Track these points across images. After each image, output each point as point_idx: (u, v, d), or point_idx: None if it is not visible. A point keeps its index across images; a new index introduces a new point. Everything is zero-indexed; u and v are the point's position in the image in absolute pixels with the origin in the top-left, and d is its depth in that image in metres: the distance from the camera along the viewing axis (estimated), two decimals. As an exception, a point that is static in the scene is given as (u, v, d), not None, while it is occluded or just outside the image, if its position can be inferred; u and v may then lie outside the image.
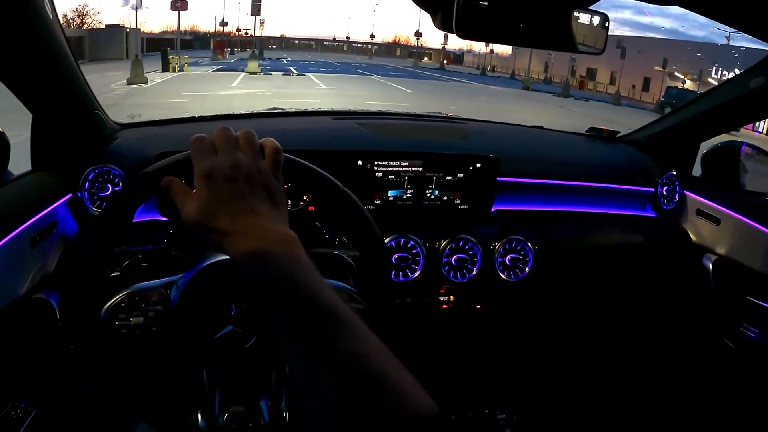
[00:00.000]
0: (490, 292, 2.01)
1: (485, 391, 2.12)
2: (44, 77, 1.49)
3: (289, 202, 1.76)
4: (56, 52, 1.45)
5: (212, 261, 1.16)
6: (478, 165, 1.91)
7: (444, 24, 1.10)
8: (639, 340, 2.42)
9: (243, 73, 31.63)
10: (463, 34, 1.08)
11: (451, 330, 2.11)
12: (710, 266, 2.15)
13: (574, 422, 2.26)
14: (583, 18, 1.18)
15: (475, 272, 1.93)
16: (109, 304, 1.13)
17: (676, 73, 46.70)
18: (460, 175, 1.91)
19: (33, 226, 1.46)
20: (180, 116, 2.16)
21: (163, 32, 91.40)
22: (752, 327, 2.06)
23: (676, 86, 39.64)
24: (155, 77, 25.44)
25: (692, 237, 2.25)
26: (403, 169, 1.86)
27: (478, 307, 2.01)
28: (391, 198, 1.88)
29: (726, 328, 2.13)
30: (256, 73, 31.77)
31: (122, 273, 1.38)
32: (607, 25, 1.23)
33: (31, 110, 1.60)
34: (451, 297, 1.98)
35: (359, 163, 1.82)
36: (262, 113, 2.26)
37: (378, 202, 1.87)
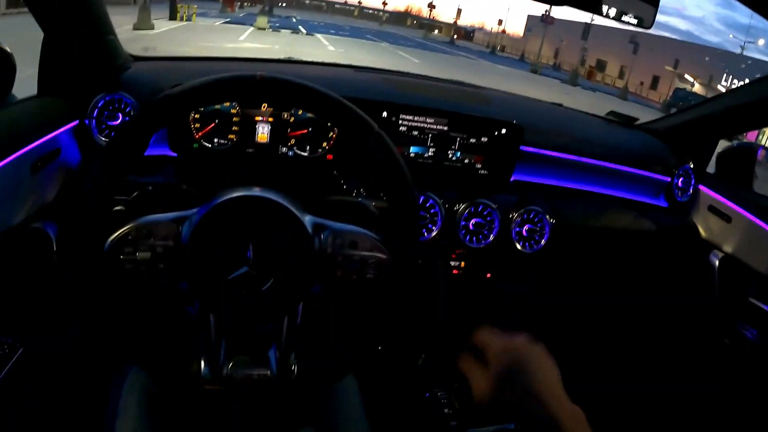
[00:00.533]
0: (502, 261, 1.98)
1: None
2: None
3: (308, 148, 1.72)
4: None
5: (229, 197, 1.11)
6: (503, 131, 1.87)
7: None
8: (638, 328, 2.41)
9: (251, 28, 31.34)
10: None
11: (458, 296, 2.08)
12: (716, 263, 2.14)
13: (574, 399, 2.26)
14: None
15: (490, 239, 1.90)
16: (114, 236, 1.07)
17: (686, 75, 46.56)
18: (484, 139, 1.87)
19: (35, 151, 1.41)
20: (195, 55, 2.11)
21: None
22: (751, 328, 2.05)
23: (685, 88, 39.56)
24: (162, 25, 25.09)
25: (701, 232, 2.23)
26: (428, 126, 1.82)
27: (488, 276, 1.99)
28: (412, 154, 1.84)
29: (725, 326, 2.12)
30: (264, 29, 31.50)
31: (130, 205, 1.33)
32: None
33: (43, 27, 1.54)
34: (462, 263, 1.95)
35: (384, 114, 1.77)
36: (281, 60, 2.22)
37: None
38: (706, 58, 45.53)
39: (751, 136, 28.45)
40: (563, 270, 2.16)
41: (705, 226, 2.22)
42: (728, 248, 2.12)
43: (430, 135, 1.83)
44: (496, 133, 1.87)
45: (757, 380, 2.01)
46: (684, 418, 2.24)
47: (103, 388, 1.32)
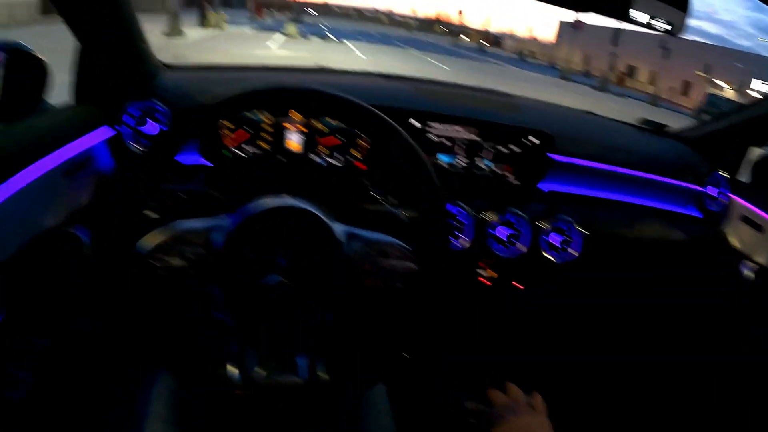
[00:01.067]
0: (531, 271, 1.97)
1: (511, 371, 2.10)
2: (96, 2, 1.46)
3: (338, 156, 1.74)
4: None
5: (262, 206, 1.13)
6: (533, 140, 1.86)
7: None
8: (669, 339, 2.38)
9: (280, 35, 31.55)
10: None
11: (486, 305, 2.08)
12: (747, 274, 2.10)
13: (592, 413, 2.24)
14: None
15: (521, 248, 1.89)
16: (148, 242, 1.09)
17: (717, 81, 45.92)
18: (514, 148, 1.87)
19: (69, 158, 1.44)
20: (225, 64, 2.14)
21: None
22: None
23: (716, 94, 39.00)
24: (191, 32, 25.34)
25: (734, 242, 2.19)
26: (458, 135, 1.82)
27: (517, 285, 1.98)
28: (442, 163, 1.84)
29: (758, 338, 2.08)
30: (294, 36, 31.70)
31: (163, 212, 1.35)
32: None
33: (78, 38, 1.58)
34: (491, 272, 1.94)
35: (412, 121, 1.78)
36: (311, 68, 2.23)
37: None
38: (738, 63, 44.87)
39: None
40: (593, 279, 2.15)
41: (737, 237, 2.18)
42: (761, 259, 2.08)
43: (459, 144, 1.83)
44: (526, 141, 1.86)
45: None
46: (716, 429, 2.21)
47: (132, 391, 1.34)
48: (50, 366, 1.49)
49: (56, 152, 1.40)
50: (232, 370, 1.18)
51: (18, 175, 1.25)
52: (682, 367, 2.36)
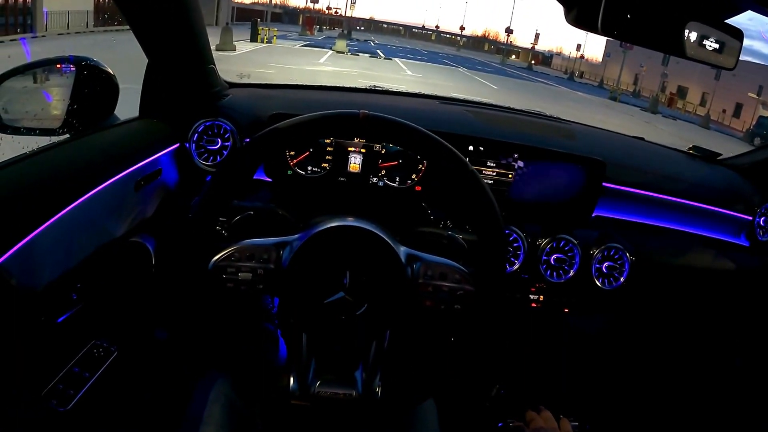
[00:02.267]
0: (580, 297, 1.96)
1: (559, 396, 2.08)
2: (171, 23, 1.52)
3: (397, 179, 1.77)
4: (189, 3, 1.47)
5: (329, 225, 1.16)
6: (586, 167, 1.86)
7: (579, 20, 1.06)
8: (713, 367, 2.35)
9: (330, 51, 31.91)
10: (606, 31, 1.03)
11: (535, 330, 2.08)
12: None
13: None
14: (717, 33, 1.13)
15: (571, 274, 1.89)
16: (218, 256, 1.13)
17: (770, 103, 44.96)
18: (568, 175, 1.87)
19: (139, 171, 1.51)
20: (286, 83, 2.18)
21: (254, 3, 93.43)
22: None
23: (768, 116, 38.17)
24: (243, 46, 25.86)
25: None
26: (513, 160, 1.84)
27: (566, 310, 1.97)
28: (496, 188, 1.85)
29: None
30: (343, 53, 32.00)
31: (232, 228, 1.39)
32: (740, 41, 1.17)
33: (148, 55, 1.63)
34: (541, 296, 1.94)
35: (471, 149, 1.79)
36: (366, 89, 2.26)
37: None
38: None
39: None
40: (642, 307, 2.13)
41: None
42: None
43: (515, 170, 1.84)
44: (581, 169, 1.87)
45: None
46: None
47: (188, 393, 1.37)
48: (113, 367, 1.53)
49: (129, 165, 1.45)
50: (291, 381, 1.20)
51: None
52: (727, 396, 2.32)
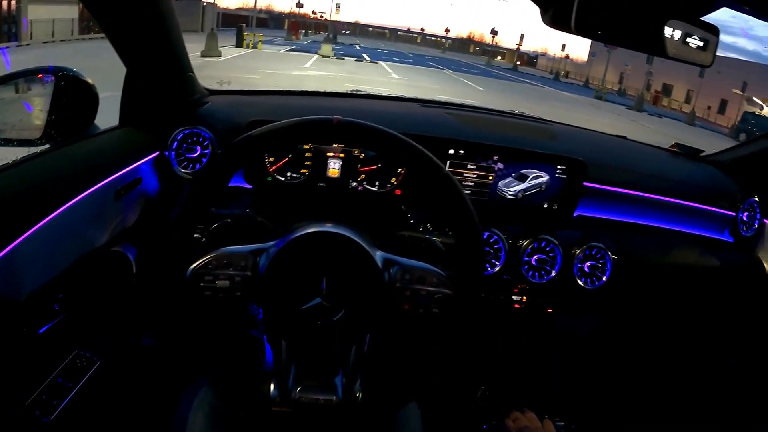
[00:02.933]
0: (563, 297, 1.97)
1: (545, 396, 2.09)
2: (146, 31, 1.53)
3: (377, 183, 1.78)
4: (165, 12, 1.48)
5: (306, 231, 1.16)
6: (566, 167, 1.88)
7: (555, 20, 1.07)
8: (703, 363, 2.36)
9: (316, 56, 31.84)
10: (580, 31, 1.05)
11: (519, 330, 2.09)
12: None
13: None
14: (691, 30, 1.14)
15: (553, 275, 1.91)
16: (196, 265, 1.13)
17: (754, 99, 45.18)
18: (548, 176, 1.89)
19: (119, 180, 1.51)
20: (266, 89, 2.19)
21: (239, 9, 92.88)
22: None
23: (754, 112, 38.34)
24: (229, 52, 25.77)
25: (767, 267, 2.17)
26: (493, 162, 1.85)
27: (549, 311, 1.98)
28: (476, 190, 1.87)
29: None
30: (329, 57, 31.95)
31: (209, 235, 1.39)
32: (716, 38, 1.18)
33: (126, 64, 1.64)
34: (524, 297, 1.95)
35: (451, 152, 1.80)
36: (348, 93, 2.27)
37: (466, 192, 1.85)
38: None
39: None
40: (627, 306, 2.14)
41: None
42: None
43: (495, 172, 1.86)
44: (561, 169, 1.88)
45: None
46: None
47: (172, 401, 1.37)
48: (96, 377, 1.53)
49: (109, 175, 1.45)
50: (272, 387, 1.21)
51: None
52: (714, 392, 2.34)
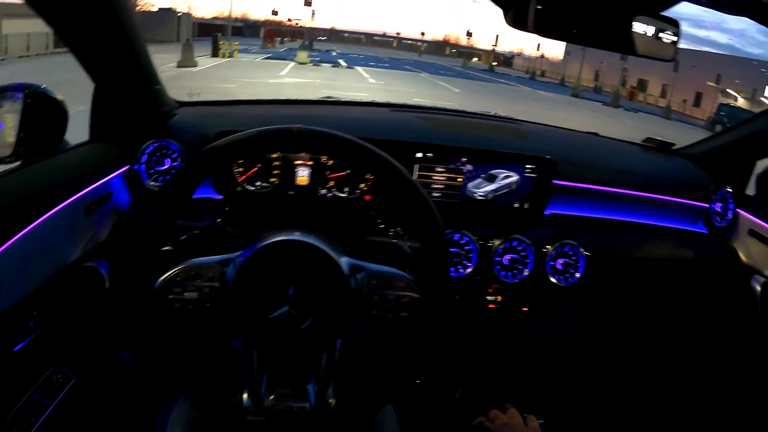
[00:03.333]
0: (538, 295, 2.00)
1: (524, 395, 2.11)
2: (110, 46, 1.53)
3: (346, 189, 1.79)
4: (124, 22, 1.49)
5: (272, 240, 1.16)
6: (536, 166, 1.90)
7: (516, 20, 1.09)
8: (681, 357, 2.39)
9: (292, 63, 31.75)
10: (540, 31, 1.07)
11: (495, 330, 2.10)
12: (758, 288, 2.11)
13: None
14: (653, 25, 1.17)
15: (525, 274, 1.93)
16: (164, 277, 1.13)
17: (729, 90, 45.62)
18: (518, 176, 1.91)
19: (89, 195, 1.52)
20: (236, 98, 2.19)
21: (215, 18, 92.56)
22: None
23: (728, 103, 38.69)
24: (205, 62, 25.66)
25: (742, 257, 2.20)
26: (462, 164, 1.87)
27: (524, 309, 2.00)
28: (446, 193, 1.89)
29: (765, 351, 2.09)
30: (305, 64, 31.86)
31: (178, 247, 1.40)
32: (678, 32, 1.21)
33: (93, 79, 1.65)
34: (499, 297, 1.98)
35: (418, 155, 1.82)
36: (319, 101, 2.28)
37: (436, 195, 1.87)
38: (749, 71, 44.55)
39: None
40: (604, 301, 2.16)
41: (745, 251, 2.20)
42: None
43: (464, 174, 1.88)
44: (531, 168, 1.90)
45: None
46: None
47: (150, 415, 1.38)
48: (72, 393, 1.54)
49: (78, 190, 1.46)
50: (244, 397, 1.21)
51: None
52: (693, 384, 2.36)
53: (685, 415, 2.31)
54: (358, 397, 1.25)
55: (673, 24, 1.18)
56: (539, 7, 1.04)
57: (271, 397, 1.22)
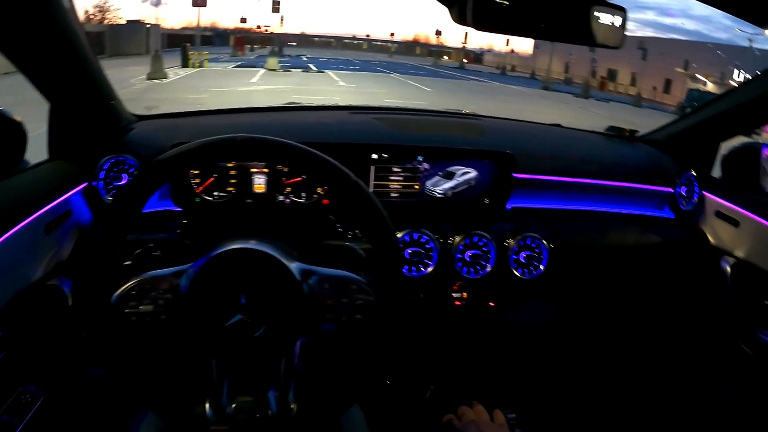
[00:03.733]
0: (503, 289, 1.99)
1: (496, 390, 2.11)
2: (60, 65, 1.52)
3: (303, 195, 1.78)
4: (73, 41, 1.48)
5: (222, 250, 1.16)
6: (494, 161, 1.89)
7: (460, 17, 1.09)
8: (653, 343, 2.40)
9: (262, 70, 31.65)
10: (479, 26, 1.07)
11: (463, 327, 2.10)
12: (728, 269, 2.13)
13: (585, 424, 2.25)
14: (601, 12, 1.17)
15: (488, 269, 1.92)
16: (119, 291, 1.12)
17: (697, 75, 46.21)
18: (476, 171, 1.90)
19: (48, 214, 1.50)
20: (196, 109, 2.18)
21: (184, 28, 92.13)
22: None
23: (698, 88, 39.17)
24: (175, 73, 25.51)
25: (710, 239, 2.22)
26: (419, 163, 1.86)
27: (491, 304, 2.00)
28: (403, 192, 1.88)
29: (743, 332, 2.10)
30: (275, 70, 31.78)
31: (134, 261, 1.39)
32: (625, 20, 1.21)
33: (47, 99, 1.63)
34: (464, 294, 1.97)
35: (374, 156, 1.81)
36: (279, 107, 2.27)
37: (395, 195, 1.86)
38: (717, 56, 45.18)
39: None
40: (572, 292, 2.17)
41: (713, 233, 2.22)
42: (739, 253, 2.11)
43: (421, 171, 1.87)
44: (488, 163, 1.90)
45: None
46: (698, 427, 2.22)
47: (121, 429, 1.37)
48: (41, 412, 1.52)
49: (37, 209, 1.44)
50: (206, 408, 1.20)
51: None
52: (666, 368, 2.37)
53: (660, 400, 2.32)
54: (318, 401, 1.25)
55: (620, 11, 1.18)
56: (476, 3, 1.04)
57: (233, 405, 1.21)
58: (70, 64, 1.53)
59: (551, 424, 2.17)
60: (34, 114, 1.65)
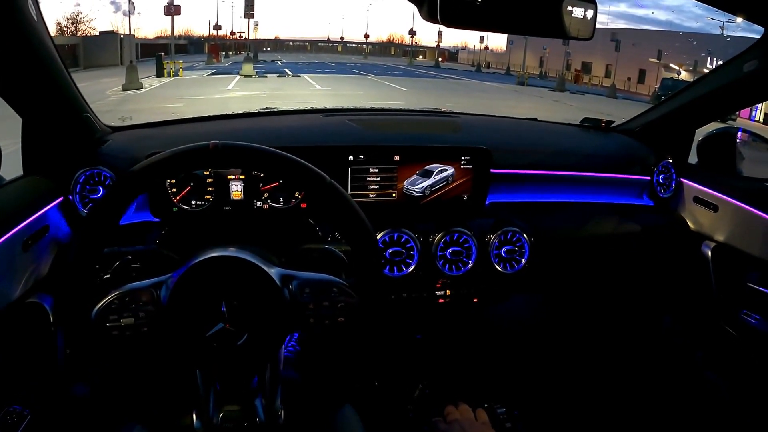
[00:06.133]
0: (486, 285, 2.00)
1: (484, 385, 2.11)
2: (31, 80, 1.50)
3: (281, 200, 1.77)
4: (42, 54, 1.46)
5: (201, 258, 1.15)
6: (471, 157, 1.89)
7: (430, 14, 1.09)
8: (638, 330, 2.41)
9: (238, 76, 31.56)
10: (449, 23, 1.07)
11: (449, 324, 2.10)
12: (709, 254, 2.14)
13: (575, 416, 2.25)
14: (572, 5, 1.17)
15: (470, 265, 1.92)
16: (99, 305, 1.11)
17: (671, 65, 46.65)
18: (452, 169, 1.90)
19: (25, 230, 1.47)
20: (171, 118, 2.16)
21: (158, 37, 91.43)
22: (753, 314, 2.05)
23: (672, 77, 39.54)
24: (150, 82, 25.38)
25: (690, 224, 2.24)
26: (395, 163, 1.86)
27: (475, 300, 2.00)
28: (381, 192, 1.88)
29: (727, 315, 2.12)
30: (251, 76, 31.71)
31: (113, 274, 1.37)
32: (596, 12, 1.21)
33: (20, 114, 1.61)
34: (448, 291, 1.97)
35: (350, 158, 1.81)
36: (254, 113, 2.26)
37: (373, 196, 1.86)
38: (689, 44, 45.66)
39: (744, 114, 28.52)
40: (555, 284, 2.18)
41: (693, 219, 2.24)
42: (719, 237, 2.13)
43: (397, 171, 1.87)
44: (465, 160, 1.90)
45: (764, 367, 2.01)
46: (685, 410, 2.23)
47: None
48: (28, 430, 1.50)
49: (13, 226, 1.42)
50: (194, 418, 1.19)
51: None
52: (652, 355, 2.39)
53: (648, 387, 2.33)
54: (305, 406, 1.24)
55: (590, 2, 1.19)
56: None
57: (220, 415, 1.21)
58: (40, 78, 1.51)
59: (541, 416, 2.17)
60: (8, 130, 1.63)
